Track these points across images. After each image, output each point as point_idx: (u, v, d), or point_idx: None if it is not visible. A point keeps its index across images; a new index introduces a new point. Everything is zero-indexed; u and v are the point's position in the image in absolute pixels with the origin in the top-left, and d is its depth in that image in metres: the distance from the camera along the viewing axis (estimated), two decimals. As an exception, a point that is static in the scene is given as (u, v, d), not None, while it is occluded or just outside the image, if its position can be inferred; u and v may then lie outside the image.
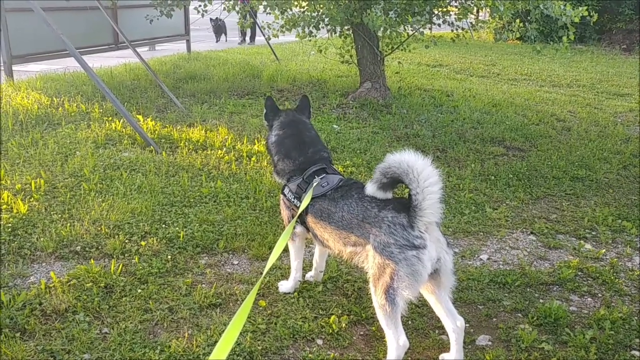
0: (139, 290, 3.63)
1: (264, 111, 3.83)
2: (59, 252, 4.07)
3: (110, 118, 7.19)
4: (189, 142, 6.55)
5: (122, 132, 6.71)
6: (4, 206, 4.61)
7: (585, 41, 20.36)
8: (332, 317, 3.43)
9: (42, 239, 4.17)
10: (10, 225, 4.31)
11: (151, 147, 6.22)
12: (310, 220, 3.40)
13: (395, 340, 2.92)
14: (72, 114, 7.51)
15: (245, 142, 6.64)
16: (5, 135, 6.50)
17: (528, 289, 3.96)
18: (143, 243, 4.18)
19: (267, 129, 3.85)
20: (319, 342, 3.27)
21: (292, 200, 3.48)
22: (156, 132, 6.83)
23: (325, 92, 9.50)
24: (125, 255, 4.05)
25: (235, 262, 4.13)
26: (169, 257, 4.04)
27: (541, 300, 3.80)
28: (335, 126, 7.54)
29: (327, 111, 8.38)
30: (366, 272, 3.10)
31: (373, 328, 3.39)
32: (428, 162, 2.86)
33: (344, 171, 5.81)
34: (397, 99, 9.22)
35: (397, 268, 2.88)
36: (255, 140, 6.72)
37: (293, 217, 3.43)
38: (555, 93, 11.13)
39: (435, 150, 6.87)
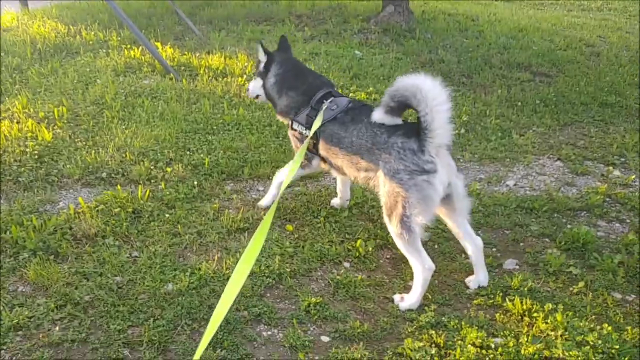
0: (167, 215, 3.66)
1: (264, 59, 3.65)
2: (85, 179, 4.11)
3: (128, 46, 7.07)
4: (209, 69, 6.44)
5: (141, 59, 6.62)
6: (29, 134, 4.62)
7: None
8: (359, 241, 3.45)
9: (68, 166, 4.20)
10: (36, 152, 4.33)
11: (171, 74, 6.14)
12: (322, 147, 3.35)
13: (421, 265, 2.93)
14: (90, 42, 7.40)
15: (265, 69, 6.50)
16: (24, 64, 6.45)
17: (555, 215, 3.93)
18: (168, 169, 4.19)
19: (260, 76, 3.69)
20: (346, 264, 3.30)
21: (304, 132, 3.42)
22: (175, 59, 6.72)
23: (345, 16, 9.20)
24: (151, 181, 4.07)
25: (261, 189, 4.13)
26: (195, 183, 4.05)
27: (569, 226, 3.77)
28: (357, 52, 7.35)
29: (348, 37, 8.15)
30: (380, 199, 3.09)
31: (399, 252, 3.38)
32: (436, 83, 2.80)
33: (367, 98, 5.71)
34: (420, 23, 8.92)
35: (408, 195, 2.86)
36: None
37: (306, 148, 3.40)
38: (584, 17, 10.69)
39: (461, 76, 6.70)
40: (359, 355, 2.59)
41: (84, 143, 4.57)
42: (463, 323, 2.83)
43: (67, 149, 4.44)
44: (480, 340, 2.70)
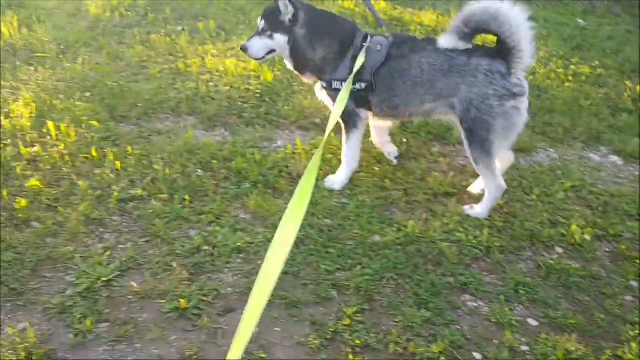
0: (376, 169, 3.71)
1: (291, 10, 3.23)
2: (299, 123, 4.30)
3: (342, -5, 7.19)
4: (421, 25, 6.34)
5: (355, 10, 6.70)
6: (253, 73, 4.95)
7: None
8: (574, 227, 3.22)
9: (286, 107, 4.43)
10: (258, 91, 4.63)
11: (383, 27, 6.14)
12: (380, 90, 3.21)
13: (494, 183, 3.16)
14: (306, -11, 7.65)
15: (479, 30, 6.23)
16: (248, 5, 6.87)
17: None
18: (379, 123, 4.23)
19: (282, 31, 3.29)
20: (559, 250, 3.11)
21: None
22: (387, 13, 6.70)
23: (569, -19, 8.45)
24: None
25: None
26: (403, 140, 4.05)
27: None
28: (580, 21, 6.73)
29: (571, 3, 7.49)
30: (449, 124, 3.36)
31: (622, 246, 3.11)
32: (515, 4, 2.84)
33: (591, 73, 5.22)
34: (659, -6, 7.90)
35: (495, 122, 2.97)
36: (490, 30, 6.27)
37: (354, 106, 3.33)
38: None
39: None
40: (573, 348, 2.44)
41: (300, 88, 4.78)
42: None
43: (285, 91, 4.68)
44: None
